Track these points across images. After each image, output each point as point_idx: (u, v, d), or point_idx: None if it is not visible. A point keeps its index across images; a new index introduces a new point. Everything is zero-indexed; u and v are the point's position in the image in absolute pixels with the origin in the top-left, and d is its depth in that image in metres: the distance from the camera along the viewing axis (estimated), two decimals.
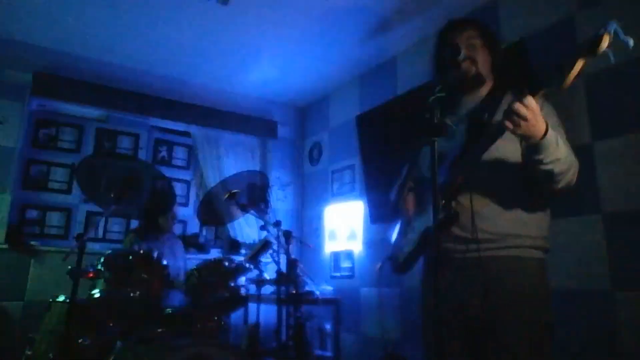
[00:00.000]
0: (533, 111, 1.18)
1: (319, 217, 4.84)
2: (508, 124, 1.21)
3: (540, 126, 1.22)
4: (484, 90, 1.57)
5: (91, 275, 2.29)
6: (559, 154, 1.27)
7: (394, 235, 1.66)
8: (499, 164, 1.41)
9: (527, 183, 1.40)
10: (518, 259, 1.38)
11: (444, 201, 1.37)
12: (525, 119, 1.18)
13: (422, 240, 1.47)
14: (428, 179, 1.57)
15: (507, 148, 1.39)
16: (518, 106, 1.18)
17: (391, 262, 1.62)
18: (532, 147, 1.27)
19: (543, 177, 1.32)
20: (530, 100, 1.18)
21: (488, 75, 1.57)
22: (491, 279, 1.36)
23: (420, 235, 1.49)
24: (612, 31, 1.06)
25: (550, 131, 1.25)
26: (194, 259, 3.47)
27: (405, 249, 1.54)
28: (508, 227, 1.39)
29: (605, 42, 1.06)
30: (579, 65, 1.11)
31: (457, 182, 1.37)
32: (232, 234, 4.57)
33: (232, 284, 2.65)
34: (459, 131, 1.51)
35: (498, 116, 1.40)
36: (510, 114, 1.19)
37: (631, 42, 1.06)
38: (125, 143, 4.41)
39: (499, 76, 1.59)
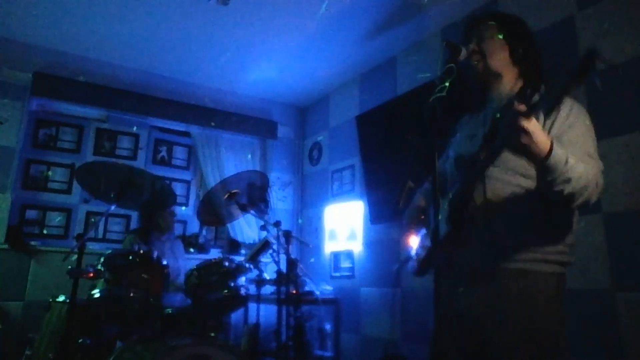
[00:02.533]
0: (530, 134, 1.12)
1: (319, 217, 4.84)
2: (505, 147, 1.17)
3: (541, 146, 1.14)
4: (507, 85, 1.49)
5: (91, 275, 2.28)
6: (569, 174, 1.18)
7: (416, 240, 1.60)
8: (514, 169, 1.35)
9: (543, 200, 1.32)
10: (527, 273, 1.30)
11: (452, 212, 1.31)
12: (522, 144, 1.13)
13: (432, 249, 1.42)
14: (445, 179, 1.52)
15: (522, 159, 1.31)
16: (515, 131, 1.12)
17: (410, 265, 1.58)
18: (537, 167, 1.21)
19: (554, 196, 1.24)
20: (526, 123, 1.11)
21: (503, 67, 1.48)
22: (496, 292, 1.31)
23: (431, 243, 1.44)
24: (595, 57, 1.01)
25: (555, 150, 1.15)
26: (194, 259, 3.46)
27: (416, 258, 1.52)
28: (521, 237, 1.32)
29: (591, 70, 1.01)
30: (565, 93, 1.08)
31: (468, 192, 1.32)
32: (232, 234, 4.57)
33: (232, 284, 2.65)
34: (480, 133, 1.44)
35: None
36: (506, 138, 1.15)
37: (619, 70, 1.03)
38: (125, 143, 4.41)
39: (527, 69, 1.49)
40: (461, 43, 1.45)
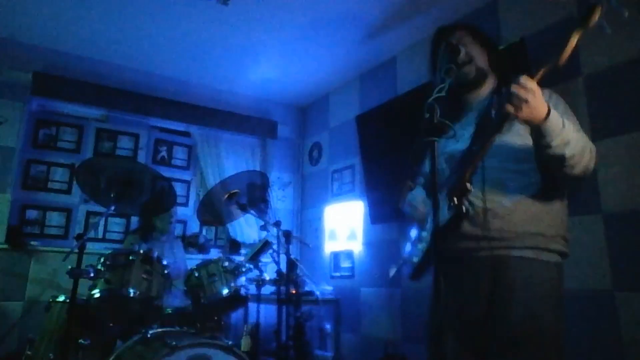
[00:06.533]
0: (532, 92, 1.15)
1: (319, 217, 4.84)
2: (509, 107, 1.17)
3: (542, 108, 1.18)
4: (488, 87, 1.54)
5: (91, 275, 2.29)
6: (566, 137, 1.21)
7: (407, 243, 1.60)
8: (509, 157, 1.37)
9: (540, 174, 1.35)
10: (530, 262, 1.31)
11: (455, 200, 1.30)
12: (525, 100, 1.15)
13: (431, 247, 1.41)
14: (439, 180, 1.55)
15: (517, 140, 1.35)
16: (517, 88, 1.15)
17: (405, 268, 1.58)
18: (536, 132, 1.23)
19: (555, 163, 1.25)
20: (527, 80, 1.15)
21: (488, 70, 1.55)
22: (500, 280, 1.31)
23: (429, 243, 1.43)
24: (605, 0, 1.05)
25: (552, 112, 1.20)
26: (194, 259, 3.47)
27: (415, 259, 1.51)
28: (521, 224, 1.33)
29: (597, 13, 1.06)
30: (574, 39, 1.11)
31: (466, 178, 1.31)
32: (232, 234, 4.58)
33: (232, 284, 2.65)
34: (467, 133, 1.45)
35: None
36: (510, 97, 1.16)
37: (626, 13, 1.05)
38: (125, 143, 4.41)
39: (501, 74, 1.56)
40: (433, 52, 1.54)
